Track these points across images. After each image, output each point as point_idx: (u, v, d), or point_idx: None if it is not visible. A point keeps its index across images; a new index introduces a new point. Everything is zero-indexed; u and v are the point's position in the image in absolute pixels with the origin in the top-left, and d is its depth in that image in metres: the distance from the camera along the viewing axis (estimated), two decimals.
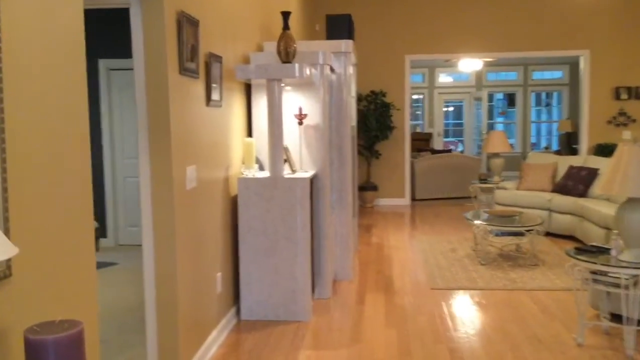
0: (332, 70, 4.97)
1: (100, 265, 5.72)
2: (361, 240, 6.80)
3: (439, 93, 14.44)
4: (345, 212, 5.16)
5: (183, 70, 3.14)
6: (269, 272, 4.08)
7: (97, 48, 5.84)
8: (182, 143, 3.13)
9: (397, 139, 9.59)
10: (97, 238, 5.68)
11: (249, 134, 4.59)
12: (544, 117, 15.17)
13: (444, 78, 14.52)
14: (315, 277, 4.63)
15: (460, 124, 15.17)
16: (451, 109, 15.08)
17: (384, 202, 9.62)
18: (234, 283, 4.18)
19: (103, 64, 6.49)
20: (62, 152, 2.04)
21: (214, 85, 3.64)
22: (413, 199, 9.91)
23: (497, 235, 6.15)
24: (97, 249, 5.70)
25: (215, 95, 3.68)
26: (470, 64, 11.11)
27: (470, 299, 4.58)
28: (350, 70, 5.16)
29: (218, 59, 3.71)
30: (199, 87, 3.42)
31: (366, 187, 9.36)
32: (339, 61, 5.01)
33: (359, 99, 9.31)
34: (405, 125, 9.60)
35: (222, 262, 3.90)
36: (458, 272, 5.35)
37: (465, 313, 4.27)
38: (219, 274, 3.79)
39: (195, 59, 3.31)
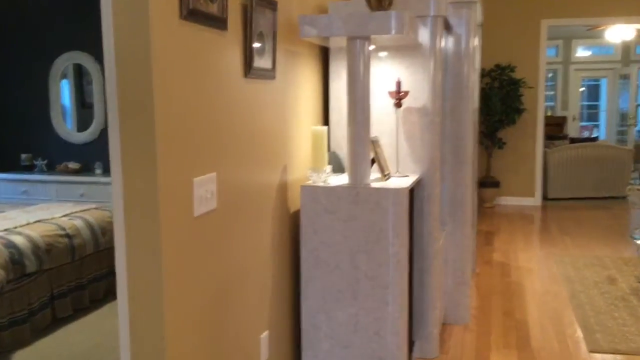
0: (448, 28, 3.49)
1: None
2: (479, 257, 5.26)
3: (576, 69, 12.26)
4: (461, 230, 3.70)
5: (189, 15, 1.84)
6: (345, 327, 2.74)
7: None
8: (185, 139, 1.85)
9: (526, 123, 7.83)
10: None
11: (325, 120, 3.24)
12: None
13: (582, 51, 12.31)
14: (415, 328, 3.23)
15: (595, 106, 12.92)
16: (582, 88, 12.84)
17: (506, 201, 7.93)
18: (292, 342, 2.87)
19: None
20: None
21: (259, 45, 2.32)
22: (544, 198, 8.12)
23: None
24: None
25: (261, 61, 2.36)
26: (619, 33, 9.02)
27: None
28: (475, 32, 3.65)
29: (268, 3, 2.38)
30: (228, 46, 2.12)
31: (485, 183, 7.71)
32: (460, 17, 3.51)
33: (481, 74, 7.64)
34: (539, 107, 7.81)
35: (272, 315, 2.60)
36: (626, 320, 3.70)
37: None
38: (264, 334, 2.51)
39: None
